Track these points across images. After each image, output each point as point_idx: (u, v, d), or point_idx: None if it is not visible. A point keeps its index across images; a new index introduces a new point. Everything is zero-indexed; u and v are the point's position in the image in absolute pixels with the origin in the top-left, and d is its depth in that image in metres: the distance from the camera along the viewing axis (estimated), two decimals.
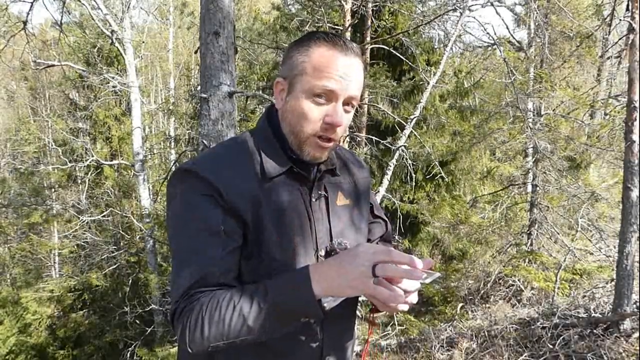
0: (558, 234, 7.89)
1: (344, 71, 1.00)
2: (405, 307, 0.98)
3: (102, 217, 10.79)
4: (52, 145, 12.42)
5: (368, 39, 8.33)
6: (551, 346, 5.31)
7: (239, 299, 0.92)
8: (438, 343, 6.35)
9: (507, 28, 7.40)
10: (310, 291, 0.90)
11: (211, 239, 0.97)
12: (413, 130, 5.45)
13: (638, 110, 4.99)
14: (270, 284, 0.94)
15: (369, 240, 1.30)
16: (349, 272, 0.88)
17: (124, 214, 10.98)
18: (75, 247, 11.92)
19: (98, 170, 12.15)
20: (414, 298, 0.98)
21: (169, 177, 1.10)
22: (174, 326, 0.96)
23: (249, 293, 0.93)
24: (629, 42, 5.06)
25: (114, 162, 11.55)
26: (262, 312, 0.91)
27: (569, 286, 7.42)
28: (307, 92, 1.01)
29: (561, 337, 5.36)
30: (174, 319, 0.96)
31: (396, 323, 7.09)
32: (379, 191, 4.84)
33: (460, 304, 8.21)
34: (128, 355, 9.08)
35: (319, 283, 0.90)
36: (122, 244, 11.35)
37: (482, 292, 8.38)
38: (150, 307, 9.60)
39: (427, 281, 0.95)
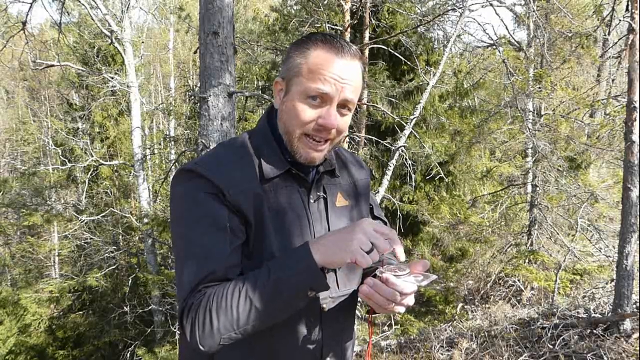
0: (558, 234, 7.88)
1: (340, 74, 0.99)
2: (402, 309, 0.98)
3: (101, 217, 10.77)
4: (51, 146, 12.40)
5: (367, 39, 8.32)
6: (551, 346, 5.30)
7: (243, 283, 0.93)
8: (438, 343, 6.34)
9: (507, 28, 7.35)
10: (311, 258, 0.91)
11: (217, 236, 0.98)
12: (413, 131, 5.44)
13: (638, 110, 4.98)
14: (272, 262, 0.95)
15: None
16: (347, 238, 0.91)
17: (124, 214, 10.97)
18: (75, 247, 11.91)
19: (97, 171, 12.13)
20: (410, 300, 0.98)
21: (171, 178, 1.10)
22: (183, 324, 0.95)
23: (253, 276, 0.94)
24: (629, 42, 5.06)
25: (114, 162, 11.53)
26: (267, 290, 0.91)
27: (569, 286, 7.41)
28: (302, 94, 1.01)
29: (561, 338, 5.35)
30: (182, 316, 0.95)
31: (396, 323, 7.08)
32: (378, 191, 4.84)
33: (460, 304, 8.20)
34: (128, 355, 9.07)
35: (318, 251, 0.92)
36: (121, 244, 11.34)
37: (482, 292, 8.38)
38: (150, 307, 9.60)
39: (423, 284, 0.95)
